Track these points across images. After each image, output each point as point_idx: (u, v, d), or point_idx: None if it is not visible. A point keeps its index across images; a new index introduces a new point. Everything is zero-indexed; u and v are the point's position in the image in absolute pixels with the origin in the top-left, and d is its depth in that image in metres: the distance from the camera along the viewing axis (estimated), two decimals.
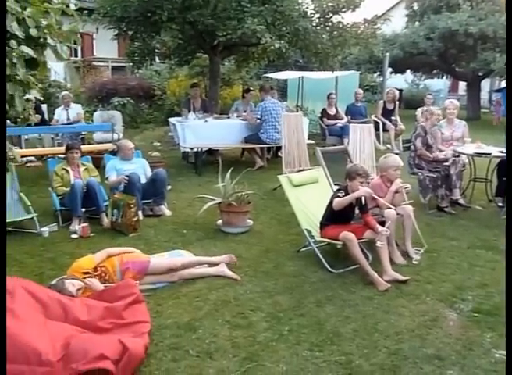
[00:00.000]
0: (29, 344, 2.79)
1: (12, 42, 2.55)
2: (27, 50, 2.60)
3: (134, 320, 3.30)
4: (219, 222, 5.51)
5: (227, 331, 3.40)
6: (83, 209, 5.57)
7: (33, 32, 2.67)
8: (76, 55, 19.11)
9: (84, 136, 9.43)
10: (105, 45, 18.60)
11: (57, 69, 13.70)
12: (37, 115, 9.25)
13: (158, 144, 11.00)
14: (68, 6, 2.83)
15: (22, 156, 7.79)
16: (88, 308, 3.31)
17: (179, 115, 10.16)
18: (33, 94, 2.70)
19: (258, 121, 8.45)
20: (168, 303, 3.81)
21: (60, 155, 7.34)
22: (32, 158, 8.66)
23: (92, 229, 5.37)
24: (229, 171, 5.69)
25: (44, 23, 2.77)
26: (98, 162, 7.05)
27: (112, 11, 7.98)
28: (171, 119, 9.28)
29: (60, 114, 9.38)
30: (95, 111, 11.59)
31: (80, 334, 3.03)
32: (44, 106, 10.04)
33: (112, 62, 18.62)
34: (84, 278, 3.78)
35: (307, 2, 9.09)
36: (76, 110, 9.64)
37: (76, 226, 5.35)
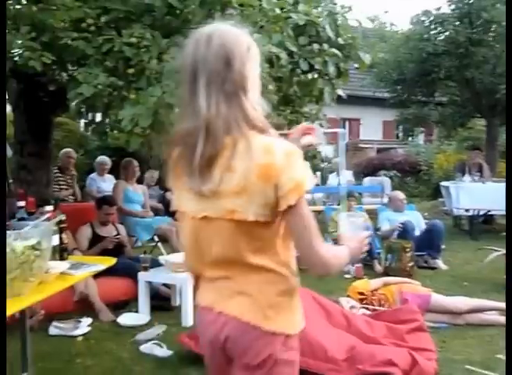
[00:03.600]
0: (316, 340, 2.76)
1: (324, 45, 2.79)
2: (337, 52, 2.81)
3: (419, 346, 3.01)
4: None
5: None
6: None
7: (340, 41, 2.89)
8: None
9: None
10: (371, 129, 19.67)
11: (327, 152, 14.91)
12: None
13: (426, 213, 10.58)
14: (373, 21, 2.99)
15: None
16: (369, 325, 3.16)
17: None
18: (339, 92, 2.87)
19: None
20: (453, 341, 3.40)
21: None
22: None
23: (364, 272, 5.31)
24: None
25: (349, 35, 2.99)
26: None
27: (389, 74, 8.32)
28: (443, 183, 8.83)
29: (332, 179, 9.94)
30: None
31: (363, 344, 2.88)
32: (317, 173, 10.85)
33: (377, 144, 19.28)
34: (360, 299, 3.71)
35: None
36: (347, 177, 10.08)
37: (350, 266, 5.35)
